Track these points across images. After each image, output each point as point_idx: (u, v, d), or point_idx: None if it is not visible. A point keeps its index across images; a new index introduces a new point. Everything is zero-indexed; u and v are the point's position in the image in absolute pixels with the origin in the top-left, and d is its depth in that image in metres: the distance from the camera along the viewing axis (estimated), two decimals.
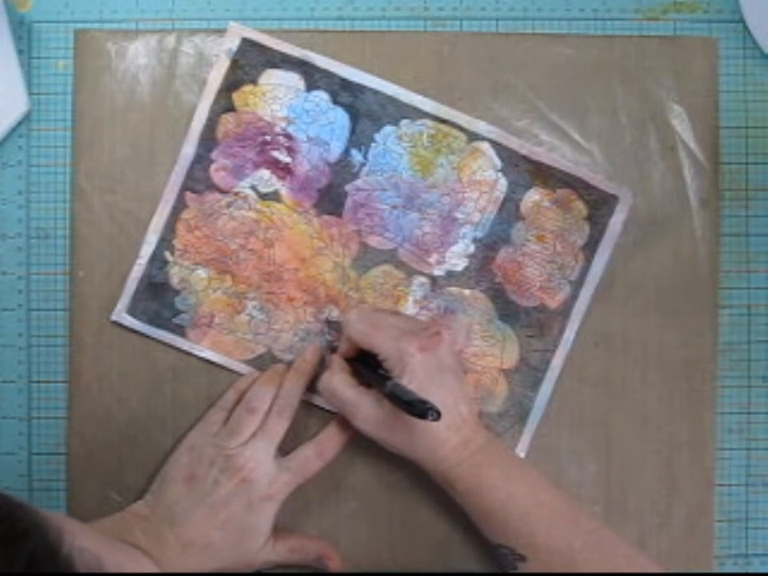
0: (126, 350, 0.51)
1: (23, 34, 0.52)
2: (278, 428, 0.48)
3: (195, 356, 0.51)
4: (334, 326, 0.52)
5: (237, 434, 0.48)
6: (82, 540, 0.34)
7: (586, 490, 0.52)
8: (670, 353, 0.52)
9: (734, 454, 0.53)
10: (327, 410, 0.51)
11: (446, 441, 0.46)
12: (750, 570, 0.53)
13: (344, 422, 0.50)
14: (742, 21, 0.53)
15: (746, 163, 0.53)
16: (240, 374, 0.51)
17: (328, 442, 0.49)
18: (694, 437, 0.52)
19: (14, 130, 0.52)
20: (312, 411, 0.52)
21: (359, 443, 0.51)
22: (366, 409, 0.46)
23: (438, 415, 0.41)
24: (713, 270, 0.52)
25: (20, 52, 0.52)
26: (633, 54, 0.52)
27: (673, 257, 0.52)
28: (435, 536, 0.52)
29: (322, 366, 0.51)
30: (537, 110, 0.52)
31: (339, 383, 0.47)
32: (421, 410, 0.41)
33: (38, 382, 0.52)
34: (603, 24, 0.53)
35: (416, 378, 0.45)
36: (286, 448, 0.49)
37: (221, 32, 0.52)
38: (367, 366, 0.48)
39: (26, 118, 0.52)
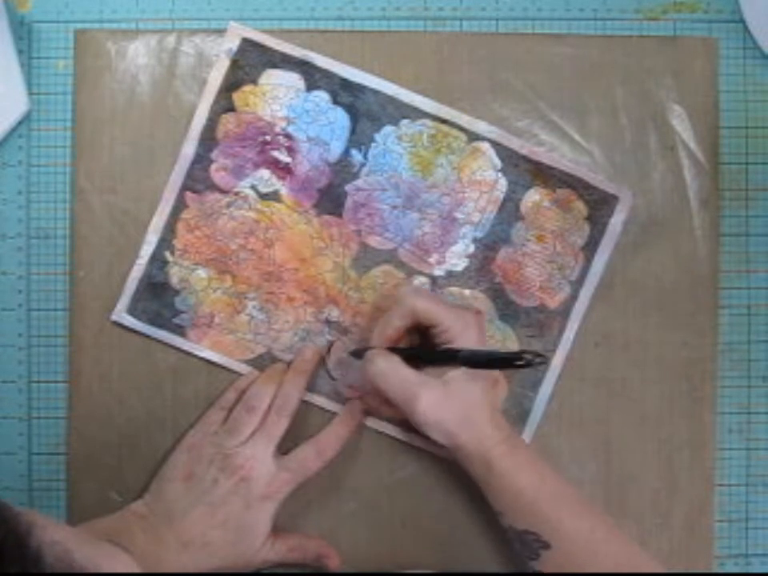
0: (125, 350, 0.51)
1: (23, 34, 0.52)
2: (278, 427, 0.48)
3: (195, 356, 0.51)
4: (334, 326, 0.52)
5: (236, 433, 0.48)
6: (53, 534, 0.34)
7: (586, 489, 0.52)
8: (670, 353, 0.52)
9: (734, 454, 0.53)
10: (327, 410, 0.51)
11: (490, 420, 0.46)
12: (750, 570, 0.53)
13: (344, 422, 0.50)
14: (742, 21, 0.53)
15: (746, 163, 0.53)
16: (240, 374, 0.51)
17: (328, 441, 0.49)
18: (694, 437, 0.52)
19: (14, 129, 0.52)
20: (312, 411, 0.52)
21: (359, 443, 0.52)
22: (429, 390, 0.45)
23: (544, 359, 0.42)
24: (713, 270, 0.52)
25: (20, 52, 0.52)
26: (633, 53, 0.52)
27: (673, 257, 0.52)
28: (435, 536, 0.52)
29: (321, 365, 0.51)
30: (537, 110, 0.52)
31: (397, 364, 0.46)
32: (526, 359, 0.41)
33: (38, 381, 0.52)
34: (603, 24, 0.53)
35: (477, 345, 0.46)
36: (285, 448, 0.49)
37: (221, 32, 0.52)
38: (407, 350, 0.48)
39: (26, 118, 0.52)
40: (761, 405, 0.53)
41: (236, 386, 0.51)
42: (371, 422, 0.52)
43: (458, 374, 0.46)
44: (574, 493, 0.46)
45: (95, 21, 0.53)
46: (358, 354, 0.50)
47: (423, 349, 0.49)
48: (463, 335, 0.46)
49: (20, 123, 0.52)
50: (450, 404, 0.46)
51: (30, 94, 0.52)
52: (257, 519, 0.47)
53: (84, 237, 0.52)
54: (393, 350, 0.48)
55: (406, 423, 0.52)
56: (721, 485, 0.53)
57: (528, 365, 0.42)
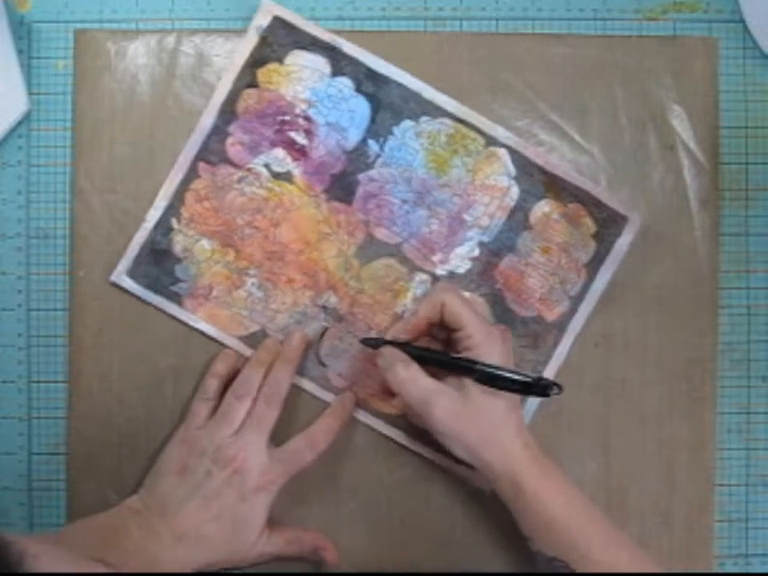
0: (126, 350, 0.51)
1: (23, 34, 0.52)
2: (268, 417, 0.48)
3: (190, 327, 0.51)
4: (330, 312, 0.52)
5: (227, 421, 0.48)
6: (44, 563, 0.34)
7: (586, 490, 0.51)
8: (670, 353, 0.52)
9: (734, 454, 0.53)
10: (315, 396, 0.51)
11: (514, 442, 0.45)
12: (750, 570, 0.53)
13: (336, 414, 0.50)
14: (742, 21, 0.53)
15: (746, 163, 0.53)
16: (233, 350, 0.51)
17: (320, 433, 0.49)
18: (694, 437, 0.52)
19: (14, 129, 0.52)
20: (299, 396, 0.51)
21: (359, 443, 0.52)
22: (447, 399, 0.45)
23: (560, 389, 0.40)
24: (713, 270, 0.52)
25: (20, 52, 0.52)
26: (633, 53, 0.52)
27: (673, 257, 0.52)
28: (435, 536, 0.52)
29: (312, 349, 0.51)
30: (537, 110, 0.52)
31: (417, 372, 0.46)
32: (540, 386, 0.40)
33: (38, 381, 0.52)
34: (603, 24, 0.53)
35: (497, 362, 0.45)
36: (279, 438, 0.49)
37: (221, 32, 0.52)
38: (424, 351, 0.47)
39: (26, 118, 0.52)
40: (761, 405, 0.53)
41: (214, 371, 0.50)
42: (371, 421, 0.52)
43: (478, 387, 0.45)
44: (602, 518, 0.45)
45: (95, 21, 0.53)
46: (371, 343, 0.49)
47: (440, 352, 0.48)
48: (485, 347, 0.45)
49: (20, 123, 0.52)
50: (468, 417, 0.45)
51: (30, 93, 0.52)
52: (252, 511, 0.47)
53: (84, 237, 0.52)
54: (408, 348, 0.47)
55: (401, 423, 0.52)
56: (721, 485, 0.53)
57: (544, 394, 0.41)
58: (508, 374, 0.44)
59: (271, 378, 0.49)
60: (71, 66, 0.52)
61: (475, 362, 0.45)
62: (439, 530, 0.52)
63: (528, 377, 0.43)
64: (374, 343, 0.49)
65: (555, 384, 0.42)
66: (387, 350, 0.48)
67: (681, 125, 0.52)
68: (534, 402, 0.52)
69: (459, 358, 0.46)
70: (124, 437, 0.51)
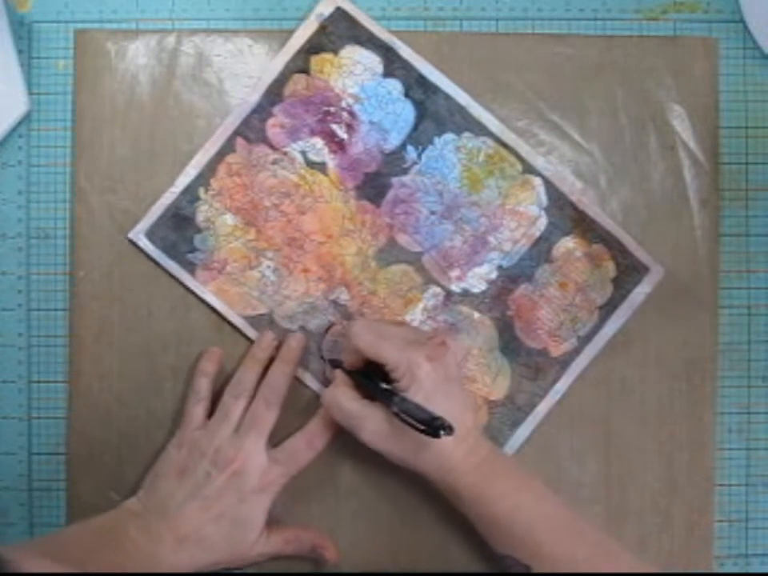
0: (126, 350, 0.51)
1: (23, 34, 0.52)
2: (267, 419, 0.48)
3: (198, 297, 0.51)
4: (339, 308, 0.52)
5: (225, 421, 0.48)
6: None
7: (586, 489, 0.52)
8: (670, 353, 0.52)
9: (734, 454, 0.53)
10: (316, 392, 0.51)
11: (453, 451, 0.45)
12: (750, 570, 0.53)
13: None
14: (742, 21, 0.53)
15: (746, 163, 0.53)
16: (237, 328, 0.51)
17: (317, 431, 0.49)
18: (694, 437, 0.52)
19: (14, 129, 0.52)
20: (305, 395, 0.51)
21: (360, 444, 0.51)
22: (372, 422, 0.46)
23: (451, 431, 0.41)
24: (713, 270, 0.52)
25: (20, 52, 0.52)
26: (633, 54, 0.52)
27: (673, 257, 0.52)
28: (435, 536, 0.52)
29: (319, 340, 0.52)
30: (537, 109, 0.52)
31: (344, 397, 0.47)
32: (433, 427, 0.41)
33: (38, 381, 0.52)
34: (603, 24, 0.53)
35: (423, 388, 0.45)
36: (278, 432, 0.49)
37: (221, 32, 0.52)
38: (371, 380, 0.48)
39: (26, 118, 0.52)
40: (761, 405, 0.53)
41: (203, 370, 0.50)
42: None
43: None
44: (555, 514, 0.46)
45: (95, 21, 0.53)
46: (335, 364, 0.50)
47: (375, 382, 0.48)
48: (406, 377, 0.45)
49: (20, 123, 0.52)
50: (397, 436, 0.45)
51: (30, 93, 0.52)
52: (251, 512, 0.47)
53: (84, 237, 0.52)
54: (355, 374, 0.48)
55: None
56: (721, 485, 0.53)
57: (434, 435, 0.41)
58: (407, 418, 0.43)
59: (270, 378, 0.49)
60: (71, 66, 0.52)
61: (394, 396, 0.45)
62: (439, 530, 0.52)
63: (429, 416, 0.42)
64: (337, 364, 0.50)
65: (450, 427, 0.41)
66: (337, 373, 0.49)
67: (681, 125, 0.52)
68: (514, 445, 0.51)
69: (385, 390, 0.46)
70: (124, 437, 0.51)
